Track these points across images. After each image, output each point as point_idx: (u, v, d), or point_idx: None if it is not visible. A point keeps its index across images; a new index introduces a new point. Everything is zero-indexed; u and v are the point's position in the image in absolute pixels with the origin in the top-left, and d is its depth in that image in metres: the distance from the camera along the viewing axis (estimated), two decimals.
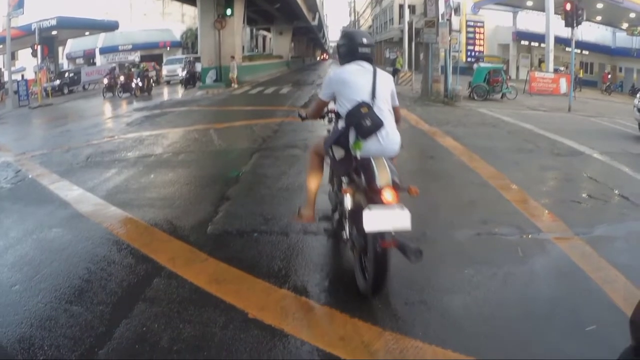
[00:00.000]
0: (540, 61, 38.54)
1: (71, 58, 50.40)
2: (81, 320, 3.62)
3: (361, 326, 3.47)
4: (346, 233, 4.16)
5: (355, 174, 3.81)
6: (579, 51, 32.33)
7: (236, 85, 28.53)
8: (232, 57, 29.24)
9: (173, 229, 5.46)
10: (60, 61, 43.87)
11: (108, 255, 4.80)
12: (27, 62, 35.74)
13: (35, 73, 26.64)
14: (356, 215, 3.74)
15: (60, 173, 8.25)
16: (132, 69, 27.80)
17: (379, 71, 4.05)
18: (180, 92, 27.56)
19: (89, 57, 50.08)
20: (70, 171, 8.42)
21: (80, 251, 4.94)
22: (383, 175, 3.54)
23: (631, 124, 13.70)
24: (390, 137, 3.87)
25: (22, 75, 23.14)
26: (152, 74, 30.96)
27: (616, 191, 6.99)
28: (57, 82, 29.25)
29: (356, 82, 3.93)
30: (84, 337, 3.40)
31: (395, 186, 3.52)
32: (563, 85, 24.92)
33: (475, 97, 21.72)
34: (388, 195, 3.46)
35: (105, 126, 14.77)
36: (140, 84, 25.91)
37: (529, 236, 5.23)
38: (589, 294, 3.97)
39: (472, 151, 9.52)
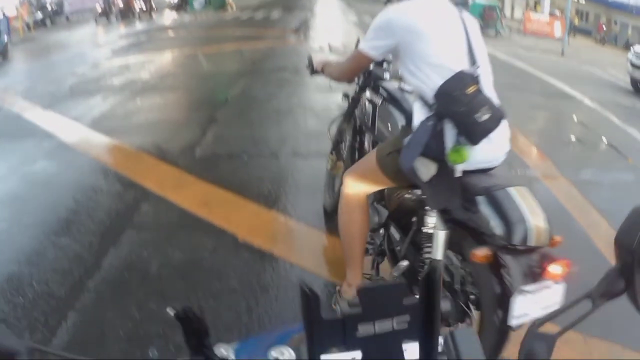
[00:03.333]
0: (536, 3, 37.28)
1: None
2: (69, 252, 3.49)
3: None
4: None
5: (468, 208, 2.10)
6: None
7: (234, 9, 27.54)
8: None
9: (161, 153, 5.26)
10: None
11: (95, 184, 4.60)
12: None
13: (17, 9, 25.49)
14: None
15: (44, 105, 7.89)
16: None
17: (465, 14, 2.37)
18: (169, 18, 26.59)
19: None
20: (54, 102, 8.06)
21: (67, 182, 4.75)
22: (536, 225, 1.93)
23: (623, 76, 13.26)
24: (501, 136, 2.21)
25: (3, 13, 22.06)
26: None
27: (604, 139, 6.77)
28: (39, 15, 28.09)
29: (442, 33, 2.21)
30: (72, 269, 3.28)
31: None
32: (558, 28, 24.11)
33: None
34: (556, 269, 1.91)
35: (90, 55, 14.15)
36: (143, 7, 25.31)
37: (517, 172, 5.09)
38: (574, 235, 3.81)
39: None
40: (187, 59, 11.50)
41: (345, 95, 3.29)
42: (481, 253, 1.95)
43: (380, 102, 2.75)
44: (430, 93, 2.12)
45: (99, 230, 3.75)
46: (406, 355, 0.72)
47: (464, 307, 2.17)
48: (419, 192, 2.38)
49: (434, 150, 2.10)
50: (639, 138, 7.00)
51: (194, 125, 6.24)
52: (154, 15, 26.37)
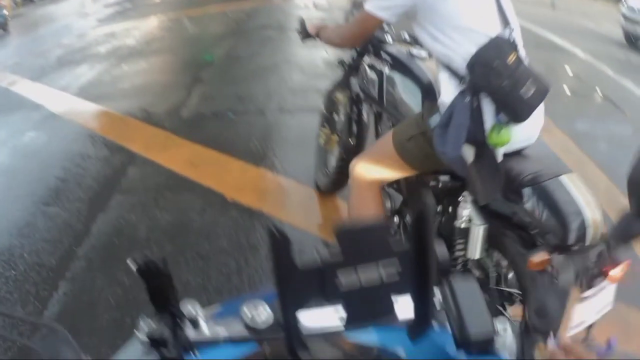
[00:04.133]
0: None
1: None
2: (59, 221, 3.30)
3: (341, 205, 3.13)
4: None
5: (512, 200, 1.68)
6: None
7: None
8: None
9: (147, 116, 4.97)
10: None
11: (83, 150, 4.35)
12: None
13: None
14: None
15: (33, 78, 7.51)
16: None
17: None
18: None
19: None
20: (42, 74, 7.67)
21: (55, 151, 4.49)
22: (593, 219, 1.52)
23: (616, 29, 12.67)
24: (539, 110, 1.78)
25: None
26: None
27: (599, 91, 6.32)
28: None
29: None
30: (62, 238, 3.10)
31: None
32: None
33: None
34: (618, 272, 1.51)
35: (77, 25, 13.55)
36: None
37: None
38: None
39: None
40: (172, 23, 10.99)
41: (341, 63, 2.76)
42: (538, 259, 1.51)
43: (386, 69, 2.27)
44: (460, 62, 1.69)
45: (88, 197, 3.54)
46: (397, 310, 0.58)
47: (500, 304, 1.83)
48: (444, 177, 1.98)
49: (471, 131, 1.66)
50: (635, 90, 6.63)
51: (179, 86, 5.91)
52: None
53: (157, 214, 3.15)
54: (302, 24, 2.47)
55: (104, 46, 9.09)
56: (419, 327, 0.57)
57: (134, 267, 0.59)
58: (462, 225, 1.84)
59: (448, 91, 1.74)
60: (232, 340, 0.65)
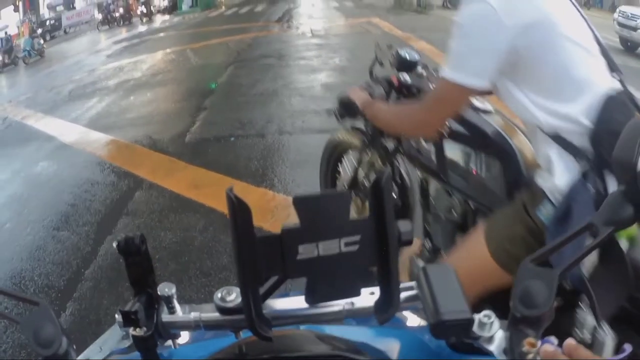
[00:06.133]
0: None
1: (52, 7, 47.04)
2: (68, 244, 3.29)
3: None
4: None
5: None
6: None
7: (224, 8, 26.83)
8: None
9: (153, 143, 5.00)
10: (41, 12, 41.10)
11: (91, 177, 4.37)
12: (10, 20, 33.33)
13: (18, 27, 24.92)
14: None
15: (45, 111, 7.59)
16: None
17: None
18: (159, 21, 26.03)
19: (68, 3, 46.90)
20: (54, 108, 7.76)
21: (66, 178, 4.52)
22: None
23: (612, 37, 12.66)
24: None
25: (6, 32, 21.35)
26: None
27: None
28: (39, 30, 27.45)
29: (570, 23, 1.24)
30: (70, 260, 3.08)
31: None
32: None
33: (449, 6, 19.85)
34: None
35: (88, 61, 13.75)
36: (145, 10, 24.90)
37: None
38: None
39: (445, 53, 8.75)
40: (177, 55, 11.11)
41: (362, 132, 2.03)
42: None
43: (444, 131, 1.57)
44: (575, 130, 1.18)
45: (96, 221, 3.54)
46: (364, 289, 0.56)
47: None
48: None
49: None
50: (637, 95, 6.61)
51: (183, 114, 5.95)
52: (152, 17, 26.01)
53: (161, 234, 3.13)
54: (346, 102, 1.68)
55: (112, 80, 9.20)
56: (385, 306, 0.53)
57: (115, 245, 0.59)
58: (587, 335, 1.26)
59: (561, 171, 1.22)
60: (205, 324, 0.63)
